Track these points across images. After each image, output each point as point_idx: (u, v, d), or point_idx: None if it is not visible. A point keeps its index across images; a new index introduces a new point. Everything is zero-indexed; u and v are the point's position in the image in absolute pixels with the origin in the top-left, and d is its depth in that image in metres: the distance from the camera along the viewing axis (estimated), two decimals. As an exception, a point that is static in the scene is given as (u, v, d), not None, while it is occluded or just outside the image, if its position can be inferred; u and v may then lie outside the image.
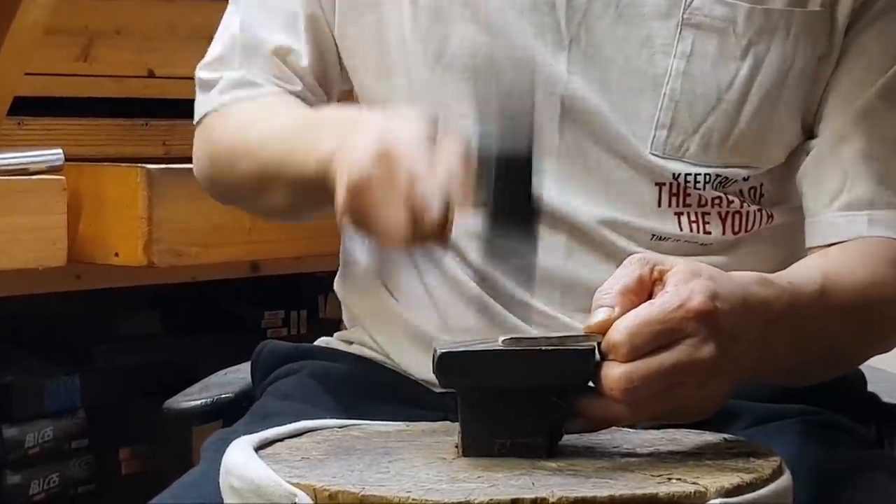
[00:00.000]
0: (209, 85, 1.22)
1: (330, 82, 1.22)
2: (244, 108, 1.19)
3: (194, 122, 1.24)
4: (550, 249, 1.12)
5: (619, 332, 0.89)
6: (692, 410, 0.93)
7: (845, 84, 1.13)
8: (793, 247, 1.15)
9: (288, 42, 1.19)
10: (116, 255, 1.62)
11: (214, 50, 1.23)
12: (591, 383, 0.92)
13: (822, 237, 1.12)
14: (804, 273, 1.04)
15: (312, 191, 1.06)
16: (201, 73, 1.23)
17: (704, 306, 0.90)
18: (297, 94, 1.20)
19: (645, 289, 0.92)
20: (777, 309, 0.97)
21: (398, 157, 0.95)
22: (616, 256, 1.10)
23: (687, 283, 0.91)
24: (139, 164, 1.63)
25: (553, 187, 1.12)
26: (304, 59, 1.20)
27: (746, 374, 0.96)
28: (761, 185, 1.15)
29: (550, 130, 1.11)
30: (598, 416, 0.92)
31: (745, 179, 1.13)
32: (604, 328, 0.91)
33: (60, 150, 1.64)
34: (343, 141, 1.00)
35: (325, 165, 1.02)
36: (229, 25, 1.23)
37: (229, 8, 1.25)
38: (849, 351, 1.09)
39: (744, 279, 0.97)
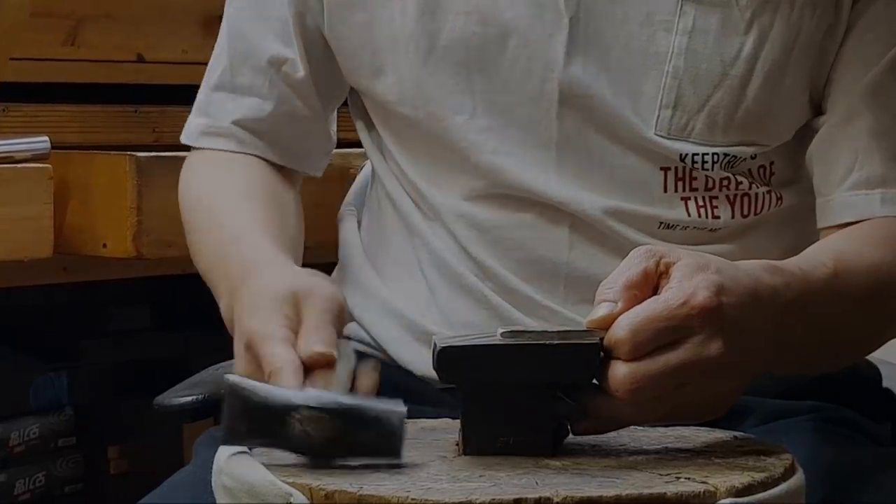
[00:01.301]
0: (198, 111, 1.23)
1: (326, 89, 1.20)
2: (201, 182, 1.21)
3: (181, 140, 1.25)
4: (553, 241, 1.11)
5: (622, 328, 0.88)
6: (704, 409, 0.91)
7: (853, 59, 1.11)
8: (803, 231, 1.14)
9: (283, 52, 1.18)
10: (105, 246, 1.62)
11: (211, 66, 1.23)
12: (596, 381, 0.90)
13: (834, 217, 1.10)
14: (815, 257, 1.03)
15: None
16: (200, 94, 1.23)
17: (709, 302, 0.88)
18: (290, 110, 1.19)
19: (650, 283, 0.91)
20: (788, 297, 0.95)
21: (259, 353, 0.96)
22: (622, 247, 1.08)
23: (692, 278, 0.89)
24: (128, 152, 1.62)
25: (554, 178, 1.10)
26: (300, 69, 1.18)
27: (761, 368, 0.94)
28: (771, 163, 1.13)
29: (548, 119, 1.10)
30: (606, 417, 0.90)
31: (752, 158, 1.12)
32: (606, 323, 0.89)
33: (46, 138, 1.63)
34: (229, 306, 1.05)
35: (227, 315, 1.06)
36: (223, 37, 1.22)
37: (227, 8, 1.23)
38: (865, 336, 1.07)
39: (752, 268, 0.95)
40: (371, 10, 1.14)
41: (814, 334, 0.99)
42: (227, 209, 1.17)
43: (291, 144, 1.21)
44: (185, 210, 1.21)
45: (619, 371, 0.87)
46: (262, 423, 0.86)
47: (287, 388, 0.90)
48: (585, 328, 0.90)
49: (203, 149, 1.22)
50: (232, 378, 0.87)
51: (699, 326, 0.88)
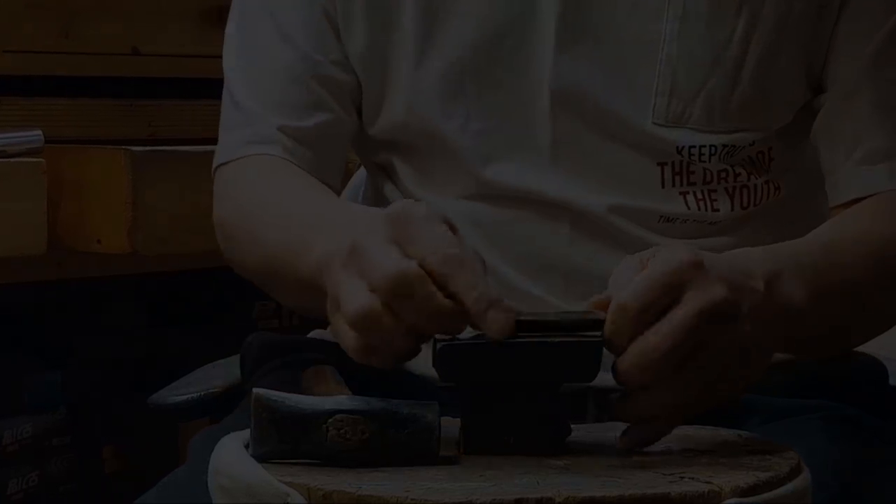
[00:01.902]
0: (232, 127, 1.16)
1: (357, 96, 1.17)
2: (251, 185, 1.14)
3: (212, 170, 1.18)
4: (553, 237, 1.11)
5: (623, 296, 0.87)
6: (733, 381, 0.90)
7: (850, 32, 1.10)
8: (803, 223, 1.13)
9: (320, 55, 1.14)
10: (99, 242, 1.62)
11: (238, 75, 1.17)
12: (617, 386, 0.88)
13: (842, 194, 1.10)
14: (816, 233, 1.04)
15: (310, 292, 1.00)
16: (229, 112, 1.17)
17: (696, 255, 0.88)
18: (332, 118, 1.15)
19: None
20: (779, 263, 0.95)
21: (366, 250, 0.89)
22: (623, 242, 1.09)
23: (672, 250, 0.90)
24: (123, 147, 1.62)
25: (551, 178, 1.10)
26: (340, 71, 1.15)
27: (777, 344, 0.94)
28: (769, 149, 1.12)
29: (542, 119, 1.10)
30: (645, 415, 0.88)
31: (751, 145, 1.11)
32: (607, 303, 0.88)
33: (40, 132, 1.63)
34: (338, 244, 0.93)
35: (321, 269, 0.96)
36: (251, 43, 1.17)
37: (237, 18, 1.18)
38: (874, 309, 1.07)
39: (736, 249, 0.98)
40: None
41: (822, 308, 0.99)
42: (294, 195, 1.10)
43: (332, 161, 1.17)
44: (237, 216, 1.13)
45: (636, 346, 0.86)
46: (295, 433, 0.86)
47: (314, 397, 0.89)
48: (587, 310, 0.89)
49: (240, 158, 1.15)
50: (258, 391, 0.87)
51: (692, 277, 0.87)
